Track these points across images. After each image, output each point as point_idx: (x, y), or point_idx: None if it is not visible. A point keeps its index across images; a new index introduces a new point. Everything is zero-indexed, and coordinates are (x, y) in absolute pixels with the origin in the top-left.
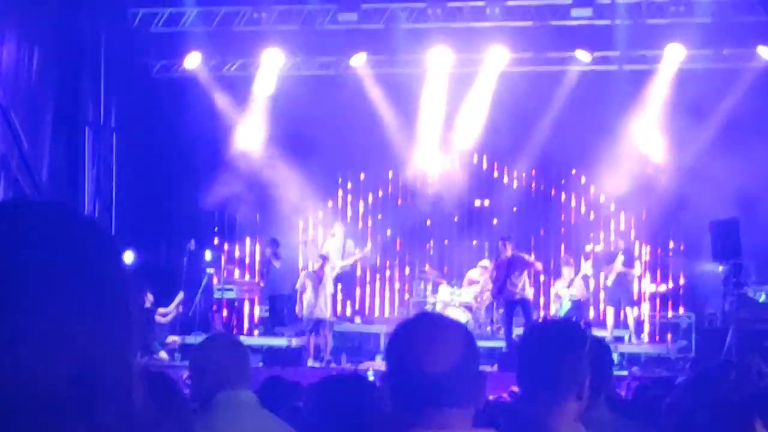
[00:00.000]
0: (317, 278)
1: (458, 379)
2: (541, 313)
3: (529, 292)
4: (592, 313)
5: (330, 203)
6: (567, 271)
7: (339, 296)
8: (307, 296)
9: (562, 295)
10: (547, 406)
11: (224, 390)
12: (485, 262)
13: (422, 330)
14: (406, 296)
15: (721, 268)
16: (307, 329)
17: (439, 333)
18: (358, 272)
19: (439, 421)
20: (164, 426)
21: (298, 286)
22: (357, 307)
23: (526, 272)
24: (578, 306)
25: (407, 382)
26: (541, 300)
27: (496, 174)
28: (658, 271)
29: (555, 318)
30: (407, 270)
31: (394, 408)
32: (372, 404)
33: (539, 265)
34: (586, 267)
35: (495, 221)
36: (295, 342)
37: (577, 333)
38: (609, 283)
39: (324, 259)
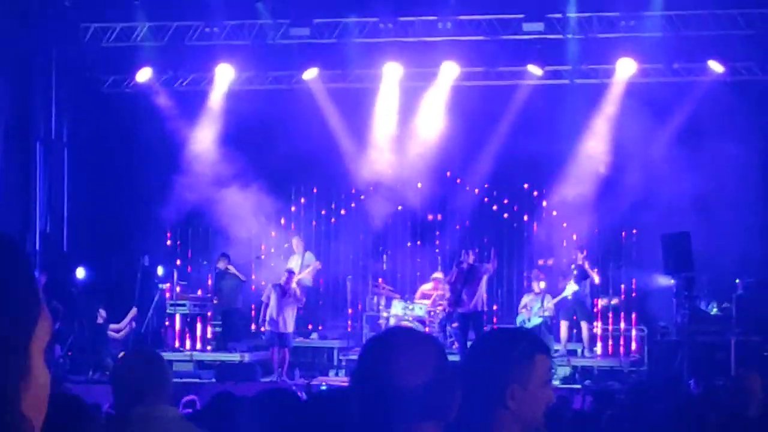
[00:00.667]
0: (282, 292)
1: (429, 393)
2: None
3: (483, 302)
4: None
5: (283, 219)
6: (537, 286)
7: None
8: (271, 309)
9: (533, 308)
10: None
11: (142, 405)
12: (437, 275)
13: (394, 343)
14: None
15: (672, 281)
16: (269, 343)
17: (411, 346)
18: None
19: None
20: None
21: (263, 298)
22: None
23: (484, 282)
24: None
25: (378, 396)
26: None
27: (449, 188)
28: (610, 285)
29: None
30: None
31: (363, 423)
32: (299, 418)
33: (490, 268)
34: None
35: (448, 235)
36: (247, 357)
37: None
38: (568, 296)
39: (290, 273)
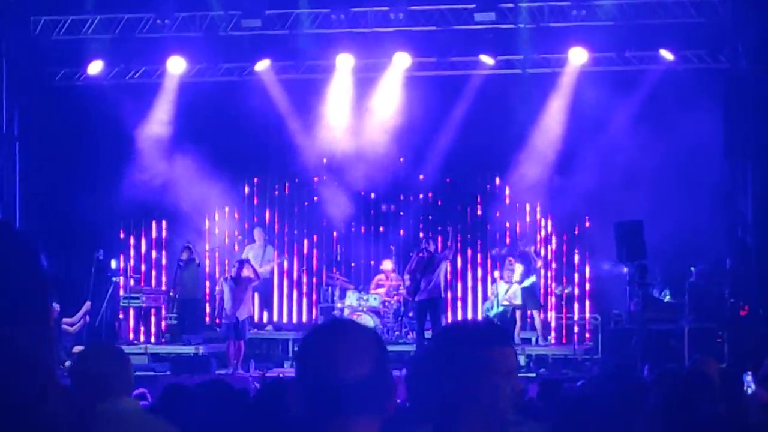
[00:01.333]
0: (234, 282)
1: (368, 385)
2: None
3: (441, 289)
4: None
5: (236, 211)
6: (507, 275)
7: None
8: (226, 302)
9: (498, 295)
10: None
11: (105, 399)
12: (387, 264)
13: (333, 335)
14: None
15: (626, 269)
16: (225, 336)
17: (351, 339)
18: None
19: (346, 429)
20: None
21: (217, 291)
22: (263, 314)
23: (442, 269)
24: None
25: (317, 389)
26: (465, 299)
27: (403, 178)
28: (563, 273)
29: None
30: (314, 275)
31: (303, 415)
32: (238, 411)
33: (449, 253)
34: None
35: (402, 224)
36: (202, 350)
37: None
38: (526, 285)
39: (241, 263)
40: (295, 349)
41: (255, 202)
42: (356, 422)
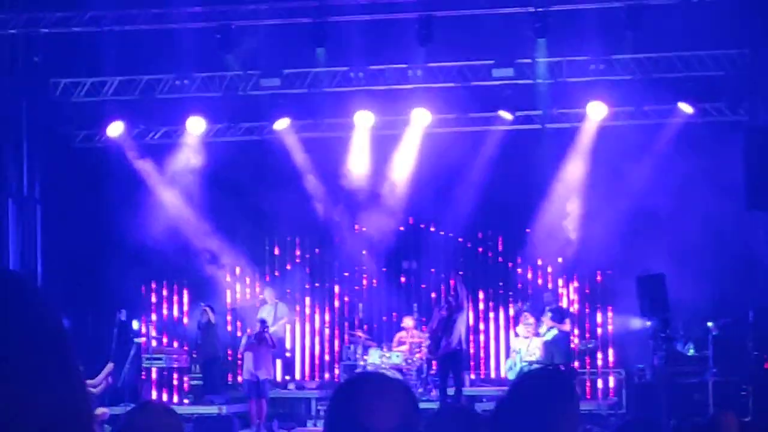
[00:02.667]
0: (257, 341)
1: None
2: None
3: (461, 341)
4: None
5: (257, 269)
6: (524, 329)
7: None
8: (247, 361)
9: (520, 351)
10: None
11: None
12: (408, 321)
13: (365, 387)
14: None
15: (649, 323)
16: (248, 394)
17: (382, 390)
18: (288, 337)
19: None
20: None
21: (240, 349)
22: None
23: (460, 322)
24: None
25: None
26: (487, 355)
27: (423, 234)
28: (587, 328)
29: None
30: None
31: None
32: None
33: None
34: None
35: (424, 281)
36: (225, 410)
37: (567, 381)
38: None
39: (263, 323)
40: (319, 407)
41: (275, 260)
42: None
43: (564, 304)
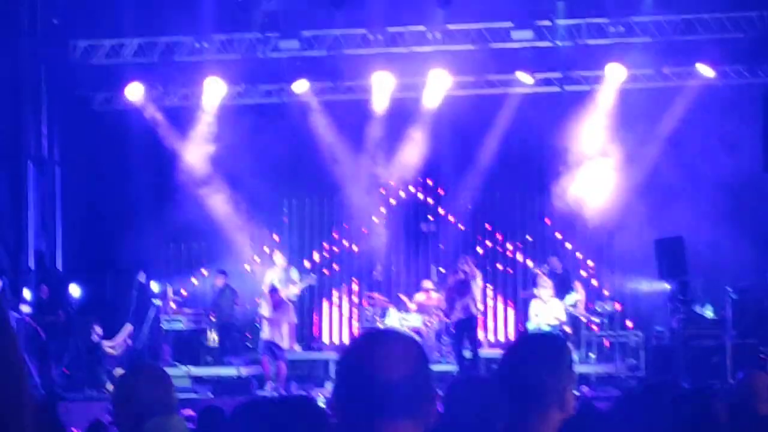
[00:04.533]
0: (272, 305)
1: (411, 388)
2: (501, 333)
3: (476, 309)
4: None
5: (275, 233)
6: (544, 292)
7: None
8: (264, 326)
9: (540, 315)
10: (532, 417)
11: (151, 419)
12: (427, 284)
13: (376, 340)
14: (354, 322)
15: (667, 286)
16: (262, 351)
17: (393, 342)
18: (306, 299)
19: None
20: None
21: (260, 311)
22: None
23: (475, 288)
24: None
25: (358, 390)
26: (506, 317)
27: (441, 197)
28: (605, 290)
29: (536, 331)
30: (355, 296)
31: (344, 420)
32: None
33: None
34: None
35: (441, 244)
36: (244, 371)
37: (559, 343)
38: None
39: (274, 289)
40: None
41: (294, 222)
42: (397, 425)
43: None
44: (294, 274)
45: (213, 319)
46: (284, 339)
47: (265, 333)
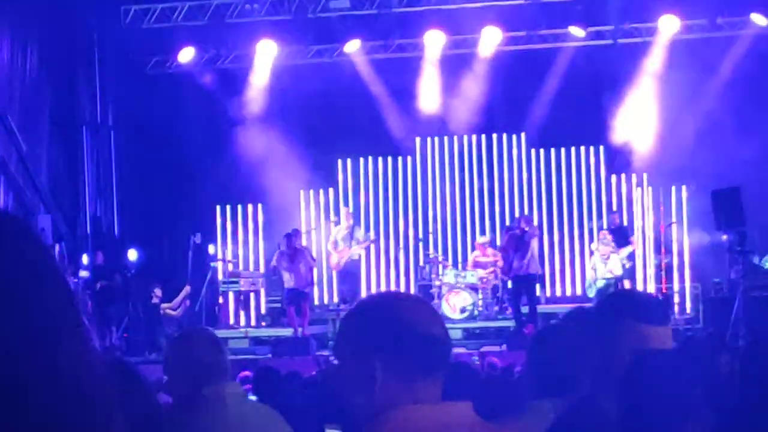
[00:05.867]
0: (287, 256)
1: (448, 344)
2: (558, 288)
3: (537, 267)
4: None
5: (331, 190)
6: (603, 248)
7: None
8: (285, 275)
9: (598, 268)
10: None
11: (205, 385)
12: (482, 239)
13: (409, 298)
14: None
15: (725, 236)
16: (287, 303)
17: (424, 302)
18: (363, 259)
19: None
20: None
21: (273, 263)
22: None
23: (534, 246)
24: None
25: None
26: (563, 272)
27: (495, 154)
28: (662, 242)
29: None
30: (411, 254)
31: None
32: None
33: (536, 231)
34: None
35: (497, 201)
36: (301, 331)
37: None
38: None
39: (289, 236)
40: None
41: (349, 182)
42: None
43: (638, 221)
44: (359, 233)
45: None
46: (309, 285)
47: (289, 283)
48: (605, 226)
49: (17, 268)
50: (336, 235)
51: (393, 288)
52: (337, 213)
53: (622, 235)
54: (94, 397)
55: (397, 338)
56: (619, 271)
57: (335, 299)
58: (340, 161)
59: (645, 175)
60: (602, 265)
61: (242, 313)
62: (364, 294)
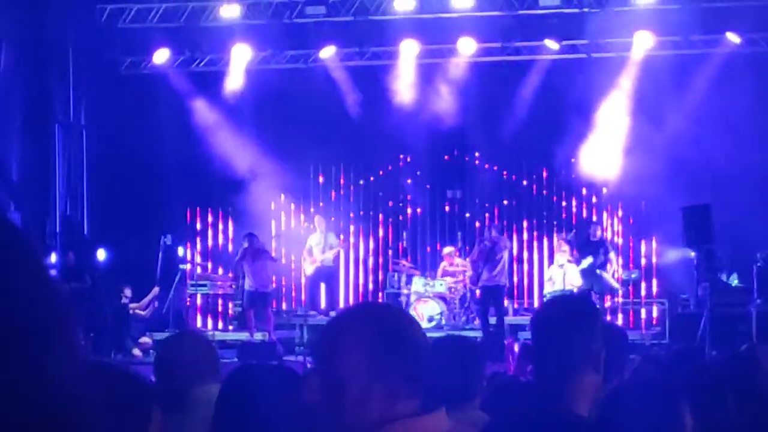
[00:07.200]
0: (248, 256)
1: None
2: (520, 300)
3: (505, 279)
4: None
5: (301, 198)
6: (560, 257)
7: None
8: (246, 275)
9: (555, 280)
10: (565, 380)
11: (194, 386)
12: (447, 249)
13: (386, 308)
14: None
15: (693, 253)
16: (246, 306)
17: (399, 309)
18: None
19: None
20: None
21: (237, 257)
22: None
23: (504, 258)
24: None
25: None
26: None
27: (467, 164)
28: (630, 258)
29: (567, 293)
30: (381, 261)
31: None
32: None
33: (508, 243)
34: (561, 257)
35: (468, 210)
36: (269, 336)
37: (589, 306)
38: (584, 268)
39: (249, 236)
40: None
41: (320, 188)
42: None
43: (608, 235)
44: (332, 239)
45: (241, 282)
46: (269, 284)
47: (249, 283)
48: (566, 237)
49: (7, 269)
50: (310, 241)
51: (362, 295)
52: (309, 219)
53: (594, 248)
54: (83, 400)
55: (387, 348)
56: (578, 282)
57: (303, 305)
58: (312, 167)
59: (613, 190)
60: (560, 276)
61: (209, 316)
62: (337, 301)
